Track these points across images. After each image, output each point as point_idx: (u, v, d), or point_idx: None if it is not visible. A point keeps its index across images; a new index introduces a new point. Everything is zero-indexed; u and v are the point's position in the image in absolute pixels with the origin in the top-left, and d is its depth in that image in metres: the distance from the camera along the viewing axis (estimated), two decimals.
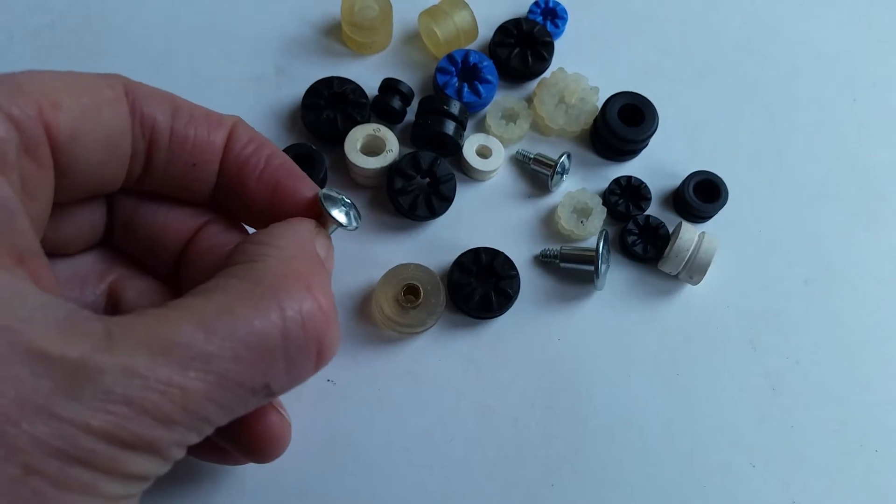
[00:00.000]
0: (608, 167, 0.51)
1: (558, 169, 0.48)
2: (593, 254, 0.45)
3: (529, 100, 0.52)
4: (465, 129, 0.49)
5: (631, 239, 0.48)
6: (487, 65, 0.51)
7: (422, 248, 0.48)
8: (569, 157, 0.49)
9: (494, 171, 0.49)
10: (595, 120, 0.51)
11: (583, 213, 0.48)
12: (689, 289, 0.48)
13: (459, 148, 0.49)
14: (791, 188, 0.52)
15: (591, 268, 0.45)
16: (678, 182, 0.51)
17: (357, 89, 0.49)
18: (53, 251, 0.32)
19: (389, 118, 0.50)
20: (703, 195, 0.49)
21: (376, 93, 0.49)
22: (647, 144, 0.52)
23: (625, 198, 0.49)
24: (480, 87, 0.50)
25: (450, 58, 0.51)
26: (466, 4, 0.52)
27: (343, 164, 0.48)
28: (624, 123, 0.49)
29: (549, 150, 0.50)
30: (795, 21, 0.59)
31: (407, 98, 0.49)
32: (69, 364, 0.21)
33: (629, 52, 0.56)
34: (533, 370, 0.45)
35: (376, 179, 0.48)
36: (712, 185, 0.49)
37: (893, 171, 0.53)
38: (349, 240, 0.46)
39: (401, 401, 0.43)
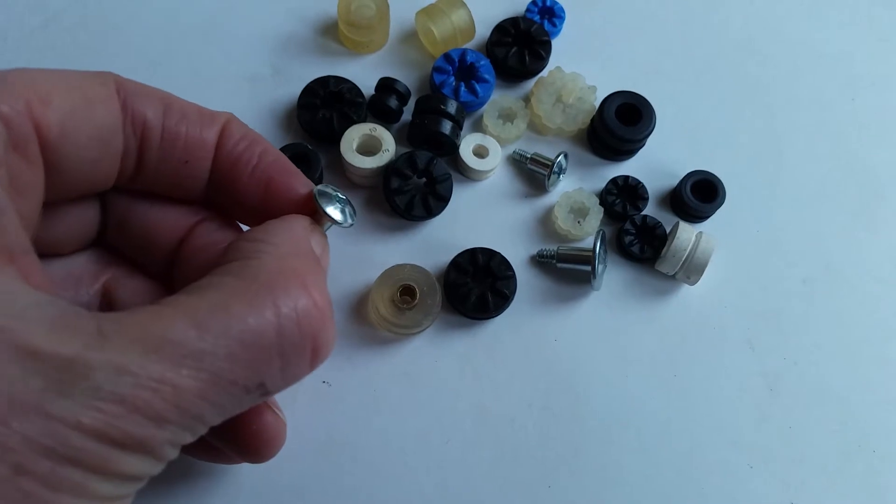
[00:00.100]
0: (605, 167, 0.51)
1: (555, 168, 0.48)
2: (590, 254, 0.45)
3: (527, 99, 0.52)
4: (461, 128, 0.49)
5: (628, 239, 0.48)
6: (484, 64, 0.51)
7: (418, 249, 0.47)
8: (566, 156, 0.49)
9: (491, 170, 0.49)
10: (592, 119, 0.51)
11: (580, 212, 0.48)
12: (686, 289, 0.48)
13: (456, 147, 0.49)
14: (789, 188, 0.52)
15: (588, 268, 0.45)
16: (675, 182, 0.50)
17: (353, 88, 0.49)
18: (47, 251, 0.31)
19: (386, 118, 0.49)
20: (700, 195, 0.49)
21: (373, 92, 0.49)
22: (644, 144, 0.51)
23: (622, 197, 0.49)
24: (477, 87, 0.50)
25: (447, 57, 0.50)
26: (464, 3, 0.51)
27: (339, 163, 0.48)
28: (621, 123, 0.49)
29: (547, 150, 0.50)
30: (794, 20, 0.58)
31: (403, 97, 0.49)
32: (60, 361, 0.21)
33: (627, 51, 0.55)
34: (530, 371, 0.45)
35: (372, 179, 0.48)
36: (710, 184, 0.49)
37: (893, 171, 0.53)
38: (345, 240, 0.46)
39: (397, 402, 0.43)
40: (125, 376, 0.21)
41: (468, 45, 0.53)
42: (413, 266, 0.45)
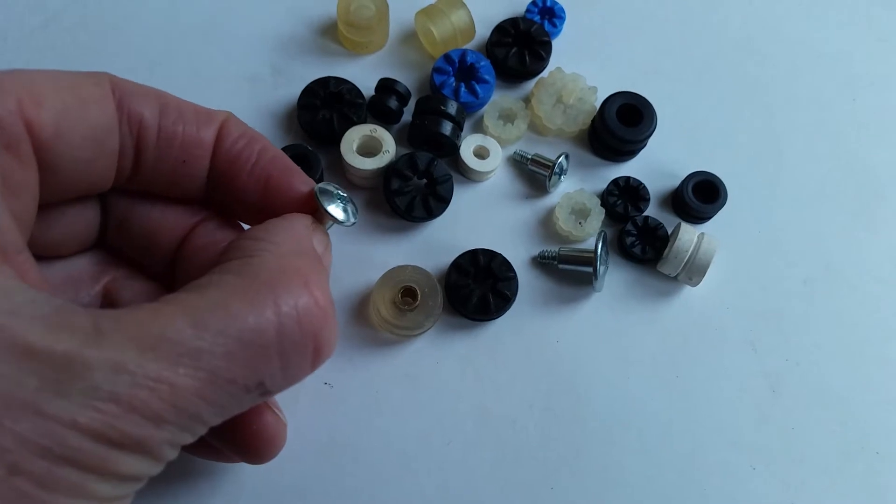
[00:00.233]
0: (606, 168, 0.51)
1: (556, 169, 0.48)
2: (592, 255, 0.45)
3: (527, 100, 0.52)
4: (462, 129, 0.49)
5: (630, 240, 0.48)
6: (485, 65, 0.51)
7: (419, 250, 0.47)
8: (567, 157, 0.49)
9: (492, 171, 0.49)
10: (593, 120, 0.51)
11: (581, 214, 0.48)
12: (688, 290, 0.48)
13: (457, 148, 0.49)
14: (790, 188, 0.52)
15: (590, 269, 0.45)
16: (677, 182, 0.50)
17: (353, 89, 0.49)
18: (46, 252, 0.31)
19: (386, 118, 0.49)
20: (702, 196, 0.49)
21: (373, 93, 0.49)
22: (645, 145, 0.51)
23: (623, 198, 0.49)
24: (478, 87, 0.50)
25: (447, 57, 0.50)
26: (463, 4, 0.51)
27: (339, 164, 0.48)
28: (622, 123, 0.49)
29: (547, 151, 0.50)
30: (795, 21, 0.58)
31: (404, 98, 0.49)
32: (56, 359, 0.21)
33: (628, 51, 0.55)
34: (531, 372, 0.45)
35: (373, 180, 0.48)
36: (711, 185, 0.49)
37: (893, 171, 0.53)
38: (346, 241, 0.46)
39: (399, 403, 0.43)
40: (122, 375, 0.21)
41: (468, 46, 0.53)
42: (414, 267, 0.45)
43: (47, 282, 0.31)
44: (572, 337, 0.46)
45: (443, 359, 0.44)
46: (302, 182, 0.32)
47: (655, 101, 0.50)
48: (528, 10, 0.54)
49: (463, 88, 0.50)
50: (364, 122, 0.49)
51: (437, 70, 0.50)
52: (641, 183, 0.49)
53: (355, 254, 0.46)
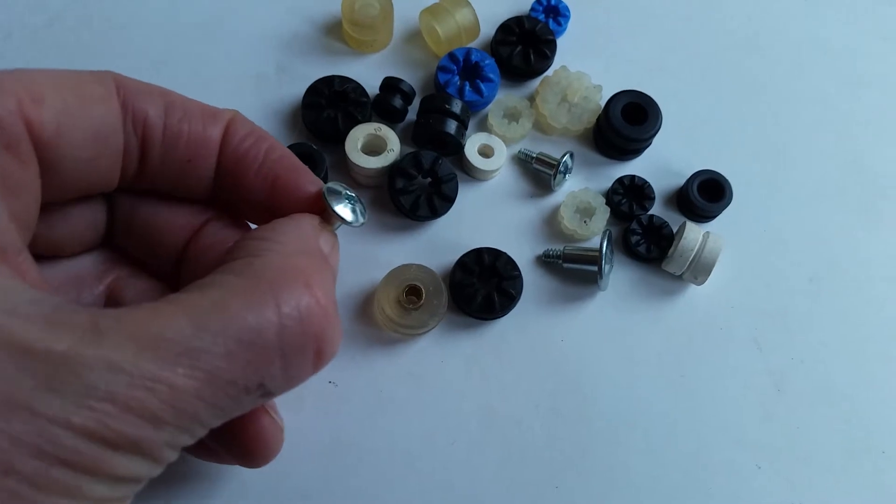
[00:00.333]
0: (611, 166, 0.51)
1: (561, 168, 0.48)
2: (597, 254, 0.45)
3: (532, 98, 0.52)
4: (466, 128, 0.49)
5: (634, 239, 0.48)
6: (489, 63, 0.50)
7: (423, 249, 0.47)
8: (571, 156, 0.49)
9: (496, 170, 0.49)
10: (598, 119, 0.51)
11: (586, 212, 0.48)
12: (693, 289, 0.48)
13: (461, 147, 0.48)
14: (796, 187, 0.52)
15: (595, 268, 0.45)
16: (682, 181, 0.50)
17: (358, 88, 0.49)
18: (52, 252, 0.31)
19: (390, 117, 0.49)
20: (707, 194, 0.49)
21: (377, 92, 0.49)
22: (650, 143, 0.51)
23: (628, 197, 0.49)
24: (482, 86, 0.50)
25: (451, 56, 0.50)
26: (468, 2, 0.51)
27: (344, 163, 0.48)
28: (627, 122, 0.49)
29: (552, 150, 0.50)
30: (799, 18, 0.58)
31: (408, 97, 0.49)
32: (52, 358, 0.20)
33: (632, 50, 0.55)
34: (536, 371, 0.45)
35: (377, 179, 0.48)
36: (716, 184, 0.49)
37: None
38: (350, 240, 0.46)
39: (403, 402, 0.43)
40: (119, 374, 0.21)
41: (473, 45, 0.53)
42: (419, 266, 0.44)
43: (50, 281, 0.30)
44: (577, 336, 0.46)
45: (447, 358, 0.44)
46: (310, 182, 0.32)
47: (660, 99, 0.50)
48: (532, 9, 0.54)
49: (467, 87, 0.50)
50: (368, 120, 0.48)
51: (441, 69, 0.50)
52: (646, 181, 0.49)
53: (360, 253, 0.46)
